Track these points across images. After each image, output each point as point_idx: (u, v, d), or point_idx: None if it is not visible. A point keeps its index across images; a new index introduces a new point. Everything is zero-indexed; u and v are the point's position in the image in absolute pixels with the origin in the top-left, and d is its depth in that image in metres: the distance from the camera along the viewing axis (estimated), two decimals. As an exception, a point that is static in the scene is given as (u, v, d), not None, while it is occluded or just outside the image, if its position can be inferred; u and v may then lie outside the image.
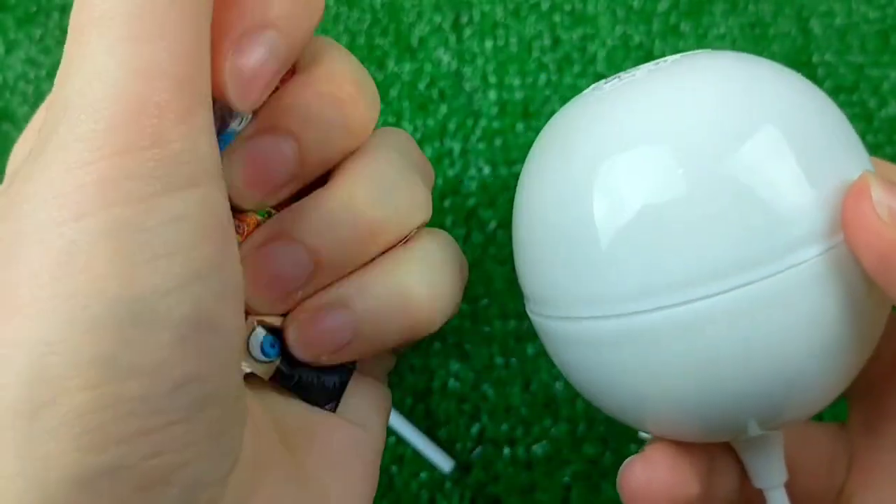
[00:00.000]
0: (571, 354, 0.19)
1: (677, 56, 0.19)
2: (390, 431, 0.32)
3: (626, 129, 0.17)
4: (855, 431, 0.22)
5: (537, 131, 0.21)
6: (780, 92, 0.18)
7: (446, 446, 0.32)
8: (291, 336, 0.19)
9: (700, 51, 0.20)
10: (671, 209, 0.16)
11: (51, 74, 0.39)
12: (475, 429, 0.32)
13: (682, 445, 0.20)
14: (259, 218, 0.20)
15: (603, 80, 0.20)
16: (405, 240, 0.20)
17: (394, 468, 0.32)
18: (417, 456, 0.31)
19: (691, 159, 0.16)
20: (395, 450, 0.32)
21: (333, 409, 0.20)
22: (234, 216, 0.18)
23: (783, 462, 0.19)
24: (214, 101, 0.16)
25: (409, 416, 0.32)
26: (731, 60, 0.19)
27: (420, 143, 0.37)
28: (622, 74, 0.19)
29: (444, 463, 0.31)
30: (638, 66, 0.19)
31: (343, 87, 0.20)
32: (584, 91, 0.20)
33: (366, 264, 0.19)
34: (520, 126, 0.37)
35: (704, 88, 0.18)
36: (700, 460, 0.20)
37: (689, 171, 0.16)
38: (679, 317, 0.16)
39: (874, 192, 0.15)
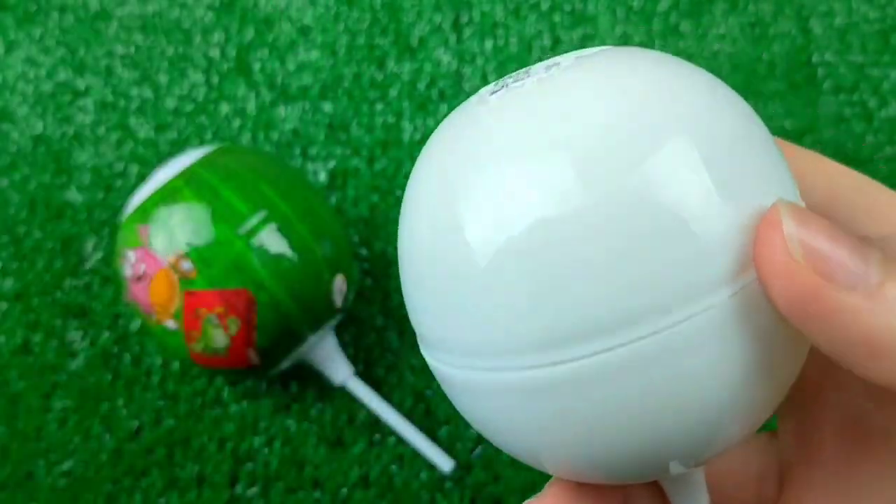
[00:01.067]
0: (470, 403, 0.17)
1: (571, 57, 0.17)
2: (390, 431, 0.32)
3: (509, 159, 0.15)
4: (786, 443, 0.21)
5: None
6: (689, 102, 0.15)
7: (446, 446, 0.32)
8: None
9: (597, 50, 0.17)
10: (563, 251, 0.14)
11: (50, 74, 0.39)
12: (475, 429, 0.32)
13: (583, 487, 0.18)
14: None
15: (490, 86, 0.17)
16: None
17: (394, 468, 0.32)
18: (417, 456, 0.31)
19: (584, 192, 0.14)
20: (395, 450, 0.32)
21: None
22: None
23: (706, 492, 0.18)
24: None
25: (409, 416, 0.32)
26: (629, 63, 0.16)
27: (420, 143, 0.37)
28: (511, 79, 0.17)
29: (444, 463, 0.31)
30: (532, 66, 0.17)
31: None
32: (469, 99, 0.17)
33: None
34: (520, 126, 0.37)
35: (596, 103, 0.15)
36: (608, 499, 0.18)
37: (583, 206, 0.14)
38: (582, 370, 0.14)
39: (786, 226, 0.14)
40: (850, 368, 0.14)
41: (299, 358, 0.30)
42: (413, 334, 0.33)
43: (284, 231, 0.28)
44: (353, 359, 0.33)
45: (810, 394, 0.20)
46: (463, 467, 0.32)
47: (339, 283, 0.29)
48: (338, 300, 0.30)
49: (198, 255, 0.27)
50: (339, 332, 0.33)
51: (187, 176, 0.28)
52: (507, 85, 0.16)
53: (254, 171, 0.29)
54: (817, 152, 0.19)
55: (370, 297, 0.34)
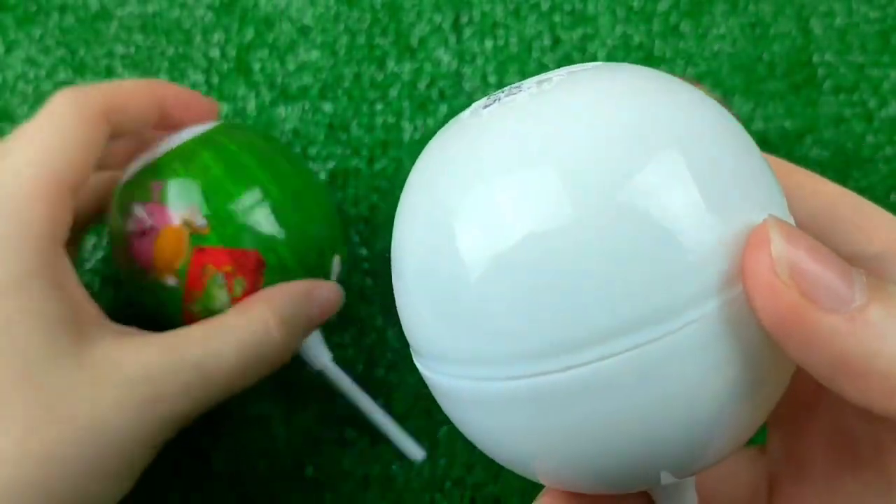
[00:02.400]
0: (462, 412, 0.17)
1: (563, 72, 0.17)
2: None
3: (500, 174, 0.15)
4: (775, 458, 0.21)
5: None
6: (679, 118, 0.16)
7: (446, 447, 0.32)
8: None
9: (589, 66, 0.17)
10: (554, 264, 0.14)
11: (50, 74, 0.39)
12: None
13: (576, 496, 0.18)
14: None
15: (483, 100, 0.17)
16: None
17: (394, 468, 0.32)
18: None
19: (574, 207, 0.14)
20: (396, 449, 0.32)
21: None
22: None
23: (695, 502, 0.18)
24: None
25: (408, 416, 0.32)
26: (621, 79, 0.16)
27: (420, 143, 0.37)
28: (503, 94, 0.17)
29: (415, 452, 0.31)
30: (524, 81, 0.17)
31: None
32: (462, 114, 0.18)
33: None
34: (520, 126, 0.37)
35: (591, 118, 0.15)
36: None
37: (572, 220, 0.14)
38: (570, 381, 0.15)
39: (774, 245, 0.14)
40: (830, 387, 0.14)
41: None
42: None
43: (295, 203, 0.28)
44: (354, 359, 0.33)
45: (800, 408, 0.20)
46: (464, 467, 0.32)
47: (336, 265, 0.30)
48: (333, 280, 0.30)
49: (213, 211, 0.27)
50: (339, 332, 0.33)
51: (203, 139, 0.28)
52: (499, 99, 0.17)
53: (267, 142, 0.29)
54: (812, 172, 0.19)
55: (370, 297, 0.34)
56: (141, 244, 0.27)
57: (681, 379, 0.14)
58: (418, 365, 0.18)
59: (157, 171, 0.28)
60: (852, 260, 0.18)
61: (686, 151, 0.15)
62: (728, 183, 0.15)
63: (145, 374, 0.24)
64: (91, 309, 0.26)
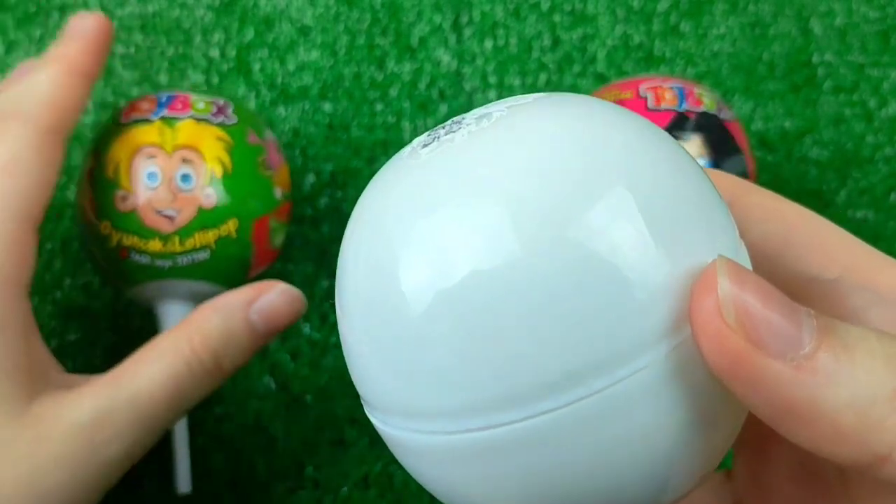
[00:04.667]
0: (413, 462, 0.17)
1: (503, 105, 0.16)
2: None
3: (437, 214, 0.15)
4: (741, 483, 0.21)
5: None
6: (625, 154, 0.15)
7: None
8: None
9: (529, 98, 0.17)
10: (497, 307, 0.14)
11: (50, 74, 0.39)
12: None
13: None
14: None
15: (423, 137, 0.17)
16: None
17: (394, 468, 0.32)
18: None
19: (517, 246, 0.14)
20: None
21: None
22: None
23: None
24: None
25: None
26: (565, 113, 0.16)
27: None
28: (443, 130, 0.16)
29: (183, 484, 0.29)
30: (464, 116, 0.17)
31: None
32: (402, 151, 0.17)
33: None
34: (520, 126, 0.37)
35: (526, 156, 0.15)
36: None
37: (515, 259, 0.14)
38: (521, 433, 0.14)
39: (721, 288, 0.13)
40: (778, 431, 0.14)
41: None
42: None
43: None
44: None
45: (765, 434, 0.19)
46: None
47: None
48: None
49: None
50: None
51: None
52: (438, 137, 0.16)
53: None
54: (776, 193, 0.19)
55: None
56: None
57: (635, 424, 0.14)
58: (367, 414, 0.17)
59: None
60: (810, 284, 0.18)
61: (633, 188, 0.14)
62: (677, 220, 0.14)
63: (81, 423, 0.23)
64: (45, 358, 0.26)
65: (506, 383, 0.14)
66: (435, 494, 0.17)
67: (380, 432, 0.17)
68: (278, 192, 0.30)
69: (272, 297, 0.26)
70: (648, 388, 0.14)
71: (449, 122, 0.17)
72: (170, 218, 0.27)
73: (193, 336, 0.25)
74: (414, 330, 0.14)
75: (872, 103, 0.38)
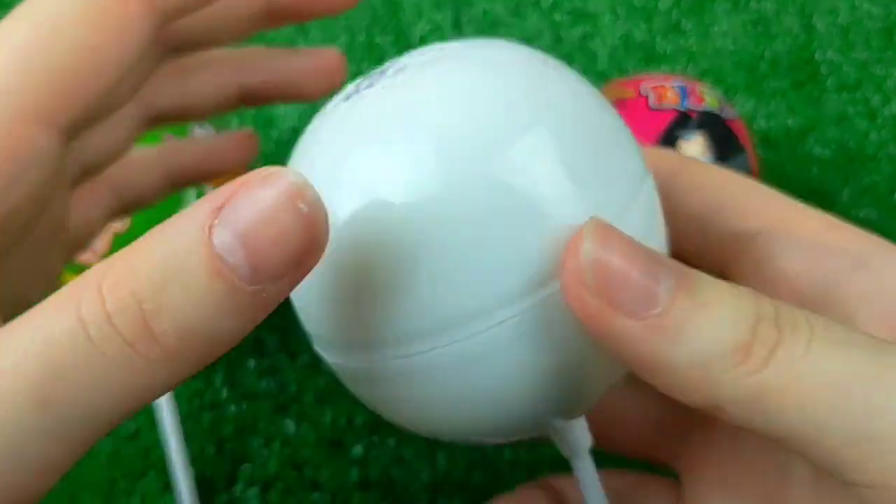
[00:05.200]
0: (355, 388, 0.18)
1: (419, 58, 0.17)
2: (389, 433, 0.32)
3: (355, 153, 0.16)
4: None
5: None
6: (546, 95, 0.16)
7: (447, 448, 0.31)
8: None
9: (446, 46, 0.18)
10: (404, 260, 0.15)
11: (49, 74, 0.39)
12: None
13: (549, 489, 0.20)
14: None
15: (355, 83, 0.18)
16: None
17: (393, 470, 0.31)
18: (418, 456, 0.31)
19: (427, 183, 0.15)
20: (395, 451, 0.32)
21: None
22: None
23: (588, 436, 0.19)
24: None
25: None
26: (476, 54, 0.17)
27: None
28: (363, 83, 0.17)
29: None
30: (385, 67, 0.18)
31: None
32: (334, 97, 0.18)
33: None
34: (520, 124, 0.37)
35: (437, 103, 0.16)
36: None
37: (424, 196, 0.15)
38: (431, 360, 0.15)
39: (584, 249, 0.14)
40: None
41: None
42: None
43: None
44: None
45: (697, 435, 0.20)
46: (465, 470, 0.32)
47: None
48: None
49: None
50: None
51: None
52: (359, 90, 0.18)
53: None
54: (708, 163, 0.21)
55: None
56: None
57: (542, 346, 0.15)
58: (318, 352, 0.19)
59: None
60: (737, 240, 0.19)
61: (551, 132, 0.15)
62: (586, 167, 0.15)
63: None
64: None
65: (417, 320, 0.15)
66: (380, 412, 0.18)
67: (322, 360, 0.18)
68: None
69: (253, 200, 0.12)
70: (547, 318, 0.15)
71: (371, 72, 0.18)
72: (92, 250, 0.28)
73: (103, 276, 0.13)
74: (326, 267, 0.15)
75: (876, 101, 0.38)
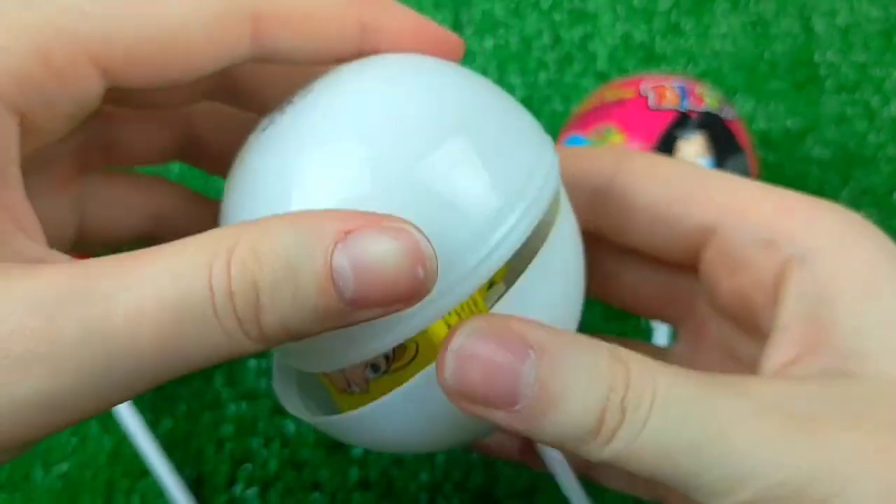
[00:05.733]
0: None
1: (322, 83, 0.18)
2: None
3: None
4: (680, 360, 0.23)
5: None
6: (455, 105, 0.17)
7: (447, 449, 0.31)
8: None
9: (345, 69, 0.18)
10: None
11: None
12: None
13: None
14: None
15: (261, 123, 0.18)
16: None
17: (393, 470, 0.31)
18: (417, 457, 0.31)
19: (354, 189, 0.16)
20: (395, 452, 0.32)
21: None
22: None
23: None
24: None
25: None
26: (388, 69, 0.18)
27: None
28: (277, 113, 0.18)
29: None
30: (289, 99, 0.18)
31: None
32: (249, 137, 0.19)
33: None
34: (520, 125, 0.37)
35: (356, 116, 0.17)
36: None
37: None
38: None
39: (453, 344, 0.15)
40: None
41: None
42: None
43: None
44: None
45: (702, 319, 0.22)
46: (463, 469, 0.32)
47: None
48: None
49: None
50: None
51: None
52: (273, 120, 0.18)
53: None
54: (655, 154, 0.21)
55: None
56: None
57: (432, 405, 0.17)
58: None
59: None
60: (696, 234, 0.20)
61: (464, 133, 0.16)
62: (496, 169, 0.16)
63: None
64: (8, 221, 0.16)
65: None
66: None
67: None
68: None
69: (378, 242, 0.14)
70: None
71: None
72: None
73: (234, 248, 0.14)
74: None
75: (875, 102, 0.38)
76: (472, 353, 0.15)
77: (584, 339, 0.16)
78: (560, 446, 0.16)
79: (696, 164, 0.20)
